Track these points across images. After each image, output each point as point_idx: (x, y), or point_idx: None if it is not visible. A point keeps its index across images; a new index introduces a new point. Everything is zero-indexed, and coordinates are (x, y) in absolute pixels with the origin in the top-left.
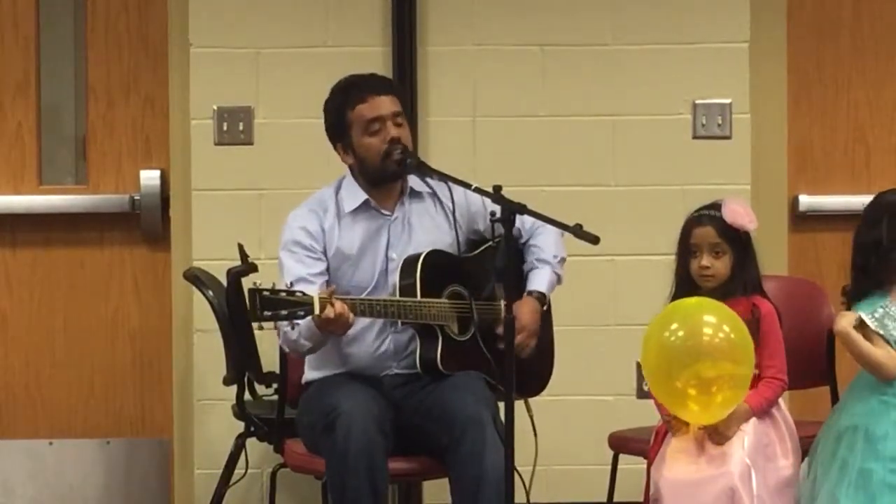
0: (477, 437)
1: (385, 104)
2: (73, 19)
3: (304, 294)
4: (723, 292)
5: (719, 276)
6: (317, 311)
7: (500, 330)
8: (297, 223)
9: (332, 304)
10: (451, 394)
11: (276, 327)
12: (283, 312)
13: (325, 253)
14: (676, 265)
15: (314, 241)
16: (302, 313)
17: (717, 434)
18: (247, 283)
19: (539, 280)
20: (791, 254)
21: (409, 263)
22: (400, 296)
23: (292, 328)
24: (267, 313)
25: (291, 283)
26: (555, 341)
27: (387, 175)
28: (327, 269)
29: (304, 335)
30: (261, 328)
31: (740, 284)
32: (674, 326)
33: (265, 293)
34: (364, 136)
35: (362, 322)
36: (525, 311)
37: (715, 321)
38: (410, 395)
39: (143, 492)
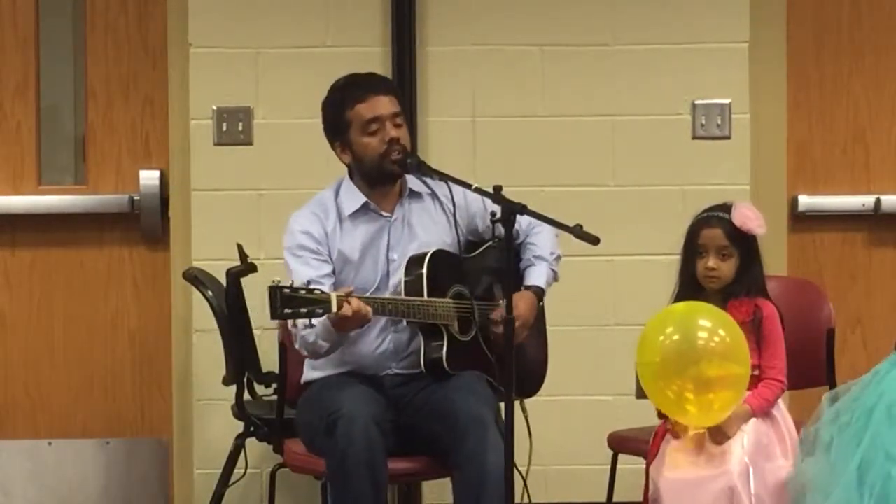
0: (480, 438)
1: (384, 104)
2: (72, 20)
3: (322, 292)
4: (726, 294)
5: (724, 278)
6: (334, 309)
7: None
8: (300, 227)
9: (349, 302)
10: (453, 394)
11: (293, 325)
12: (303, 310)
13: (329, 256)
14: (681, 265)
15: (319, 244)
16: (321, 311)
17: (719, 434)
18: (246, 283)
19: (536, 276)
20: (790, 254)
21: (415, 262)
22: (405, 294)
23: (311, 326)
24: (287, 311)
25: (321, 289)
26: (554, 341)
27: (385, 175)
28: (333, 272)
29: (322, 336)
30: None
31: (744, 287)
32: (669, 330)
33: (286, 291)
34: (363, 136)
35: None
36: (521, 303)
37: (710, 325)
38: (411, 395)
39: (143, 492)
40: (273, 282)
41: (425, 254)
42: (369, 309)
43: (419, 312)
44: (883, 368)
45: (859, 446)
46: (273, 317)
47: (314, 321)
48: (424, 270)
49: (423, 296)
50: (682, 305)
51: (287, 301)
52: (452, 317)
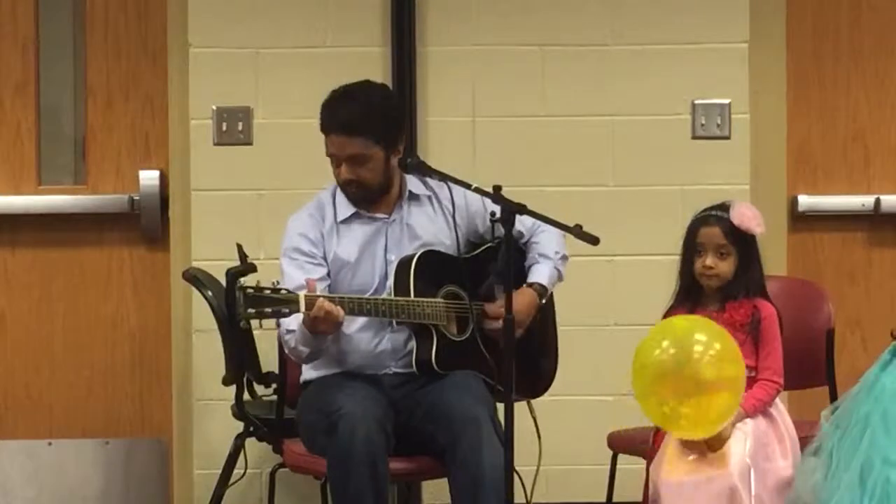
0: (474, 437)
1: (340, 146)
2: (72, 20)
3: (289, 292)
4: (725, 293)
5: (723, 277)
6: (302, 309)
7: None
8: (296, 229)
9: (319, 303)
10: (448, 394)
11: (261, 326)
12: (268, 310)
13: (325, 258)
14: (681, 263)
15: (314, 247)
16: (287, 311)
17: (715, 439)
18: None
19: (540, 273)
20: (790, 254)
21: (404, 264)
22: (394, 295)
23: (278, 325)
24: (251, 311)
25: (287, 289)
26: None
27: (353, 201)
28: (328, 275)
29: (301, 341)
30: (247, 326)
31: (743, 287)
32: (665, 344)
33: (249, 291)
34: (331, 162)
35: (359, 321)
36: (519, 300)
37: (706, 338)
38: (409, 395)
39: (142, 492)
40: (238, 283)
41: (414, 255)
42: (340, 311)
43: (404, 312)
44: (873, 373)
45: (857, 452)
46: (239, 318)
47: (294, 326)
48: (412, 271)
49: (409, 296)
50: (678, 320)
51: (251, 301)
52: (444, 316)
